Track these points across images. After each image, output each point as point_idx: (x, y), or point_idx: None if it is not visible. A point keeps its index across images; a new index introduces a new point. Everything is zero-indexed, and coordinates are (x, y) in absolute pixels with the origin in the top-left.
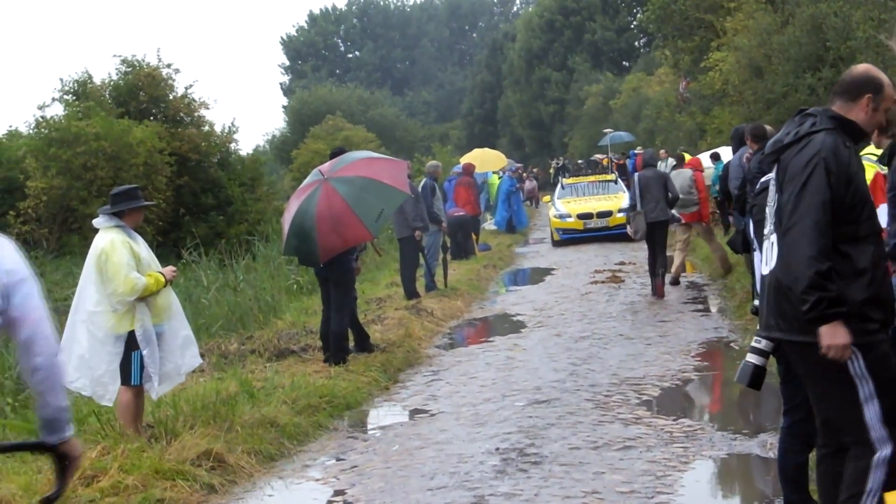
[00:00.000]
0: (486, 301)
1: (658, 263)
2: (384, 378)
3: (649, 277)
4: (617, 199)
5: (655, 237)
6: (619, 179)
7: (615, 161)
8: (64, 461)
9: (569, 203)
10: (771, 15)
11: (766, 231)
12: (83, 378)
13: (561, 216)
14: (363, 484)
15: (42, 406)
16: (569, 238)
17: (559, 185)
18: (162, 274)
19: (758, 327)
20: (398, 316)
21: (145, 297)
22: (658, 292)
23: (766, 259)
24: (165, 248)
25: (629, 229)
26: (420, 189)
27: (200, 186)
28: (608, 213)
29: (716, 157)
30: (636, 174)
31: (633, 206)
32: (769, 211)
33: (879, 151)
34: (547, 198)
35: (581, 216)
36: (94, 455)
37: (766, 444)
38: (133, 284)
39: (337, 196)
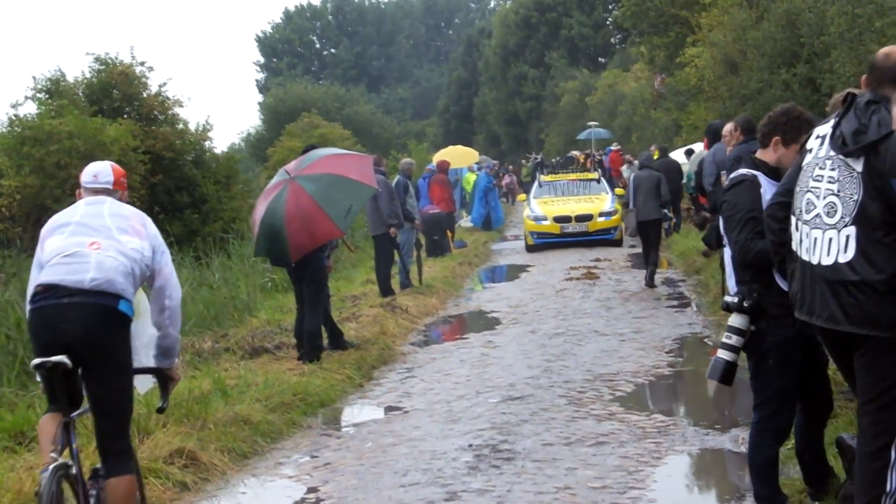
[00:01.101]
0: (461, 298)
1: (649, 260)
2: (358, 375)
3: (627, 273)
4: (599, 201)
5: (648, 235)
6: (603, 178)
7: (597, 157)
8: (168, 382)
9: (545, 204)
10: (746, 11)
11: (811, 219)
12: None
13: (536, 218)
14: (336, 481)
15: (164, 336)
16: (544, 243)
17: (536, 183)
18: None
19: (799, 314)
20: (373, 313)
21: None
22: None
23: (816, 249)
24: None
25: (623, 226)
26: (394, 186)
27: (175, 184)
28: (588, 217)
29: (690, 153)
30: (632, 175)
31: (626, 205)
32: (824, 200)
33: None
34: (522, 196)
35: (558, 219)
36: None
37: (738, 439)
38: None
39: (304, 194)
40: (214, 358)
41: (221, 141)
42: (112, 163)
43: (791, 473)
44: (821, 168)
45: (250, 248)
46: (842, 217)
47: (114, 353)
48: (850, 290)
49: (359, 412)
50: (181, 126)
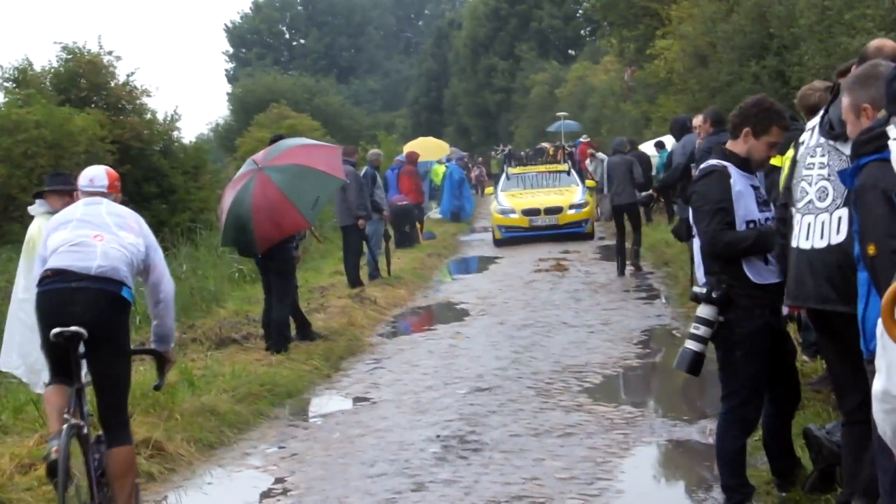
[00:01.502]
0: (429, 290)
1: (633, 241)
2: (326, 366)
3: (596, 265)
4: (569, 193)
5: (625, 220)
6: (573, 171)
7: (568, 148)
8: (165, 363)
9: (514, 196)
10: (716, 3)
11: (803, 206)
12: (23, 365)
13: (503, 211)
14: (303, 472)
15: (159, 325)
16: (512, 237)
17: (504, 176)
18: None
19: (788, 299)
20: (341, 304)
21: None
22: (622, 271)
23: (809, 234)
24: None
25: (597, 211)
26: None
27: (143, 175)
28: (558, 210)
29: (660, 146)
30: (605, 160)
31: (600, 190)
32: (815, 186)
33: None
34: (489, 189)
35: (527, 212)
36: (31, 444)
37: (706, 430)
38: None
39: (271, 185)
40: (181, 348)
41: (190, 131)
42: (107, 168)
43: (758, 465)
44: (811, 156)
45: (218, 238)
46: (833, 200)
47: (116, 335)
48: (844, 270)
49: (326, 403)
50: (149, 116)
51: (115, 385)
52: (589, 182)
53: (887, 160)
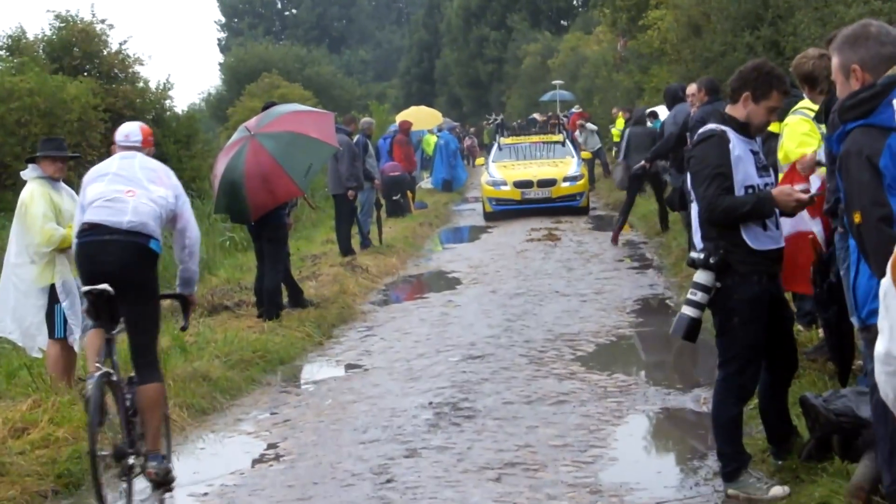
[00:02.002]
0: (421, 258)
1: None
2: (318, 334)
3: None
4: (563, 165)
5: (635, 189)
6: (568, 141)
7: (562, 118)
8: (189, 305)
9: (505, 168)
10: None
11: None
12: (17, 330)
13: (494, 183)
14: (296, 437)
15: (185, 270)
16: (503, 210)
17: (495, 146)
18: None
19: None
20: (333, 272)
21: (66, 249)
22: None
23: None
24: None
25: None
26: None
27: None
28: (551, 182)
29: (654, 116)
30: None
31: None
32: None
33: (817, 106)
34: (480, 160)
35: (518, 184)
36: (24, 408)
37: (700, 399)
38: (50, 235)
39: (264, 152)
40: (174, 315)
41: (182, 100)
42: (141, 124)
43: (754, 433)
44: None
45: (210, 206)
46: None
47: (145, 283)
48: None
49: (318, 370)
50: (142, 85)
51: (144, 327)
52: (584, 153)
53: (872, 126)
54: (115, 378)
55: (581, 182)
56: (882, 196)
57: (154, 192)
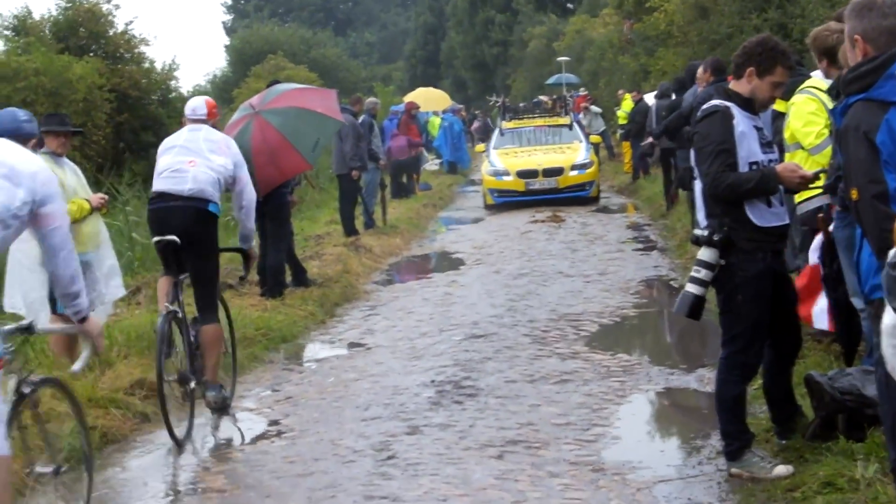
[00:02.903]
0: (425, 239)
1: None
2: (321, 312)
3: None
4: (571, 151)
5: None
6: (576, 124)
7: (568, 98)
8: (249, 258)
9: (507, 156)
10: None
11: None
12: (24, 306)
13: (496, 173)
14: (298, 414)
15: (242, 227)
16: (505, 202)
17: (497, 131)
18: (88, 201)
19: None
20: (336, 252)
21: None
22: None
23: None
24: (106, 186)
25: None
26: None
27: (140, 123)
28: (558, 171)
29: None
30: (654, 104)
31: (649, 134)
32: None
33: (825, 84)
34: (480, 147)
35: (522, 174)
36: None
37: (704, 379)
38: None
39: (270, 128)
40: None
41: (187, 82)
42: (206, 98)
43: (758, 413)
44: None
45: None
46: None
47: (205, 240)
48: None
49: (321, 348)
50: (147, 65)
51: (205, 277)
52: (593, 137)
53: (872, 100)
54: (180, 316)
55: (591, 170)
56: (878, 173)
57: (214, 162)
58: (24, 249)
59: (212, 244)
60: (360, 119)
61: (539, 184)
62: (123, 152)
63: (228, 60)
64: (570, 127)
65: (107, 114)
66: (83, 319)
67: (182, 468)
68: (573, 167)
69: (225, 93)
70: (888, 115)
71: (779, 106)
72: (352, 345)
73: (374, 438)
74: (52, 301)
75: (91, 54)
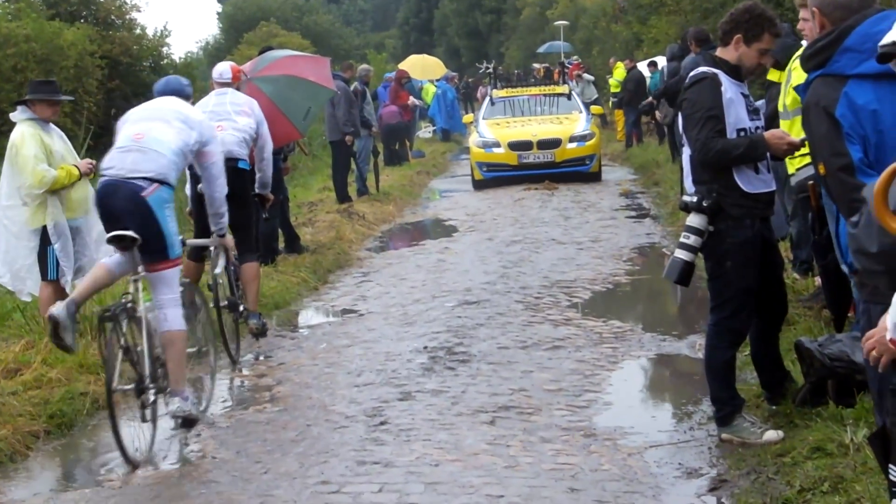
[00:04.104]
0: (418, 206)
1: None
2: (314, 279)
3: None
4: (570, 122)
5: None
6: (574, 94)
7: (567, 64)
8: (266, 201)
9: (499, 126)
10: None
11: None
12: (8, 273)
13: (485, 144)
14: (291, 380)
15: (262, 175)
16: (496, 177)
17: (487, 100)
18: (76, 167)
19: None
20: (329, 219)
21: (58, 191)
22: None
23: None
24: (97, 152)
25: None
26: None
27: (132, 90)
28: (555, 143)
29: (654, 66)
30: (666, 65)
31: (660, 96)
32: None
33: None
34: (469, 117)
35: (514, 146)
36: (17, 349)
37: (696, 345)
38: (42, 176)
39: (262, 96)
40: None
41: (179, 49)
42: (231, 63)
43: (748, 378)
44: None
45: None
46: None
47: (239, 193)
48: None
49: (313, 315)
50: (138, 31)
51: (242, 224)
52: (595, 108)
53: (829, 75)
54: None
55: (591, 143)
56: (841, 146)
57: (240, 123)
58: (11, 216)
59: (246, 195)
60: (353, 86)
61: (534, 157)
62: (115, 119)
63: (221, 27)
64: (568, 96)
65: (98, 80)
66: (222, 235)
67: (174, 434)
68: (572, 139)
69: (217, 59)
70: (846, 87)
71: (772, 76)
72: (344, 311)
73: (366, 404)
74: (43, 267)
75: (82, 21)
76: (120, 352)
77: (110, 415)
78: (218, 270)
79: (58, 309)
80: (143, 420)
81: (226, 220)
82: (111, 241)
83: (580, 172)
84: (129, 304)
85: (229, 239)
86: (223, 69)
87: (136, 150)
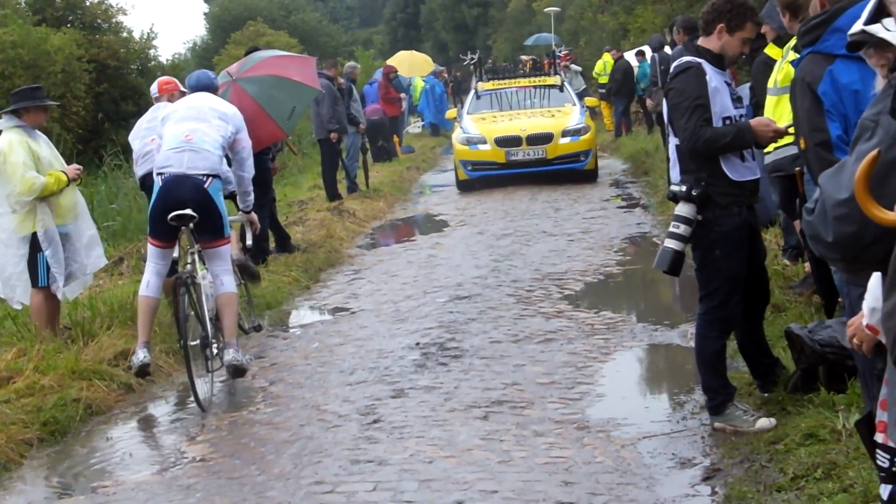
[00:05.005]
0: (408, 202)
1: None
2: (305, 278)
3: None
4: (562, 115)
5: None
6: (567, 85)
7: (559, 52)
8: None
9: (484, 121)
10: None
11: None
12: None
13: (469, 141)
14: (283, 381)
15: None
16: (481, 176)
17: (472, 94)
18: (64, 173)
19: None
20: (320, 217)
21: (47, 198)
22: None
23: None
24: (86, 157)
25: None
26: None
27: (120, 93)
28: (546, 138)
29: (641, 55)
30: (655, 55)
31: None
32: None
33: None
34: (452, 112)
35: (501, 142)
36: (9, 357)
37: (687, 335)
38: (31, 184)
39: (247, 96)
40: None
41: (166, 50)
42: (164, 78)
43: (740, 367)
44: None
45: None
46: None
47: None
48: None
49: (305, 313)
50: (125, 34)
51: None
52: (589, 100)
53: (818, 53)
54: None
55: (586, 137)
56: (821, 122)
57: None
58: (1, 224)
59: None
60: (340, 84)
61: (523, 154)
62: (103, 122)
63: (208, 27)
64: (560, 88)
65: (86, 84)
66: (249, 211)
67: (167, 438)
68: (564, 133)
69: (205, 60)
70: (832, 66)
71: (771, 51)
72: (336, 309)
73: (359, 402)
74: (33, 274)
75: (68, 25)
76: (192, 312)
77: (188, 368)
78: (249, 243)
79: (140, 357)
80: (208, 370)
81: (251, 198)
82: (174, 219)
83: (574, 170)
84: (191, 273)
85: (254, 215)
86: (153, 87)
87: (189, 149)
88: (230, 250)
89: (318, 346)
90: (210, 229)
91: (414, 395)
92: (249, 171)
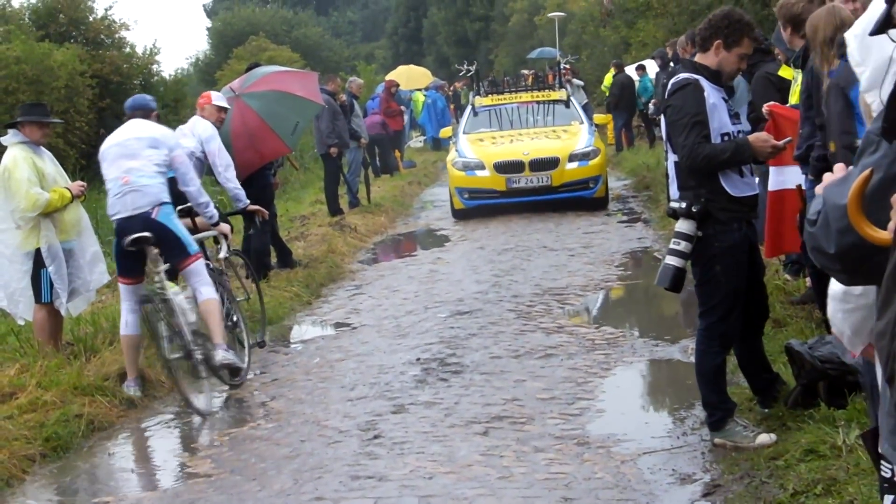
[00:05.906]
0: (410, 217)
1: None
2: (306, 293)
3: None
4: (569, 136)
5: None
6: (574, 101)
7: (564, 65)
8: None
9: (482, 143)
10: None
11: None
12: (4, 298)
13: (466, 166)
14: (284, 396)
15: (188, 196)
16: (479, 205)
17: (468, 110)
18: (68, 189)
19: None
20: (321, 232)
21: (51, 214)
22: None
23: None
24: (89, 172)
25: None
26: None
27: (123, 109)
28: (552, 163)
29: (642, 70)
30: (657, 71)
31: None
32: None
33: None
34: (447, 131)
35: (501, 167)
36: (11, 373)
37: (687, 350)
38: (35, 200)
39: (250, 112)
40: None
41: (169, 65)
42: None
43: (741, 382)
44: None
45: None
46: None
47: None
48: None
49: (307, 329)
50: (128, 50)
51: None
52: (599, 117)
53: None
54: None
55: (595, 161)
56: (850, 125)
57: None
58: (5, 239)
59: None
60: (342, 99)
61: (525, 181)
62: (104, 137)
63: (210, 43)
64: (566, 103)
65: (89, 100)
66: (216, 224)
67: (169, 454)
68: (572, 157)
69: (208, 75)
70: None
71: (784, 73)
72: (337, 325)
73: (359, 418)
74: (37, 290)
75: (71, 41)
76: (161, 324)
77: (174, 380)
78: (222, 255)
79: (130, 392)
80: (197, 377)
81: (211, 209)
82: (131, 244)
83: (583, 198)
84: (159, 290)
85: (224, 226)
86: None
87: (130, 191)
88: (202, 265)
89: (319, 362)
90: (174, 252)
91: (414, 410)
92: (193, 183)
